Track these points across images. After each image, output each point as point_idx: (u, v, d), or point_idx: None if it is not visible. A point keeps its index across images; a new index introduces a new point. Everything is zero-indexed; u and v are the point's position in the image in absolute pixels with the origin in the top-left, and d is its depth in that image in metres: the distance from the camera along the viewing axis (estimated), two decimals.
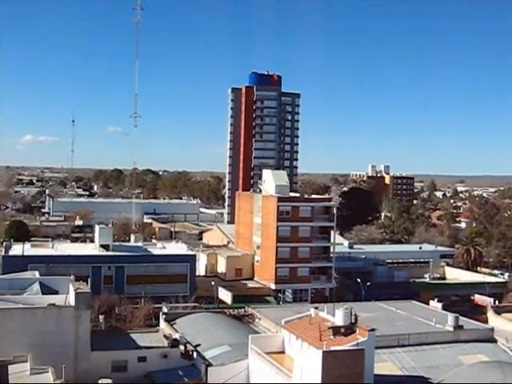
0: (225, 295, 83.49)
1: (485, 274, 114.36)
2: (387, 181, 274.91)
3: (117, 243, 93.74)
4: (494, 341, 49.80)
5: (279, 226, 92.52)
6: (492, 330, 51.72)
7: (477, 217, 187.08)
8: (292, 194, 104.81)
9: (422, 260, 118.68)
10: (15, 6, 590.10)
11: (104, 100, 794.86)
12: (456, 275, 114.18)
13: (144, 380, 46.30)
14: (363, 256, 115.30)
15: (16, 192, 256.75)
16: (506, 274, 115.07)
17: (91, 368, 44.56)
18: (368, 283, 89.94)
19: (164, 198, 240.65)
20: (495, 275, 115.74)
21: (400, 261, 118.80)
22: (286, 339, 43.12)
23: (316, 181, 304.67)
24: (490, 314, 61.87)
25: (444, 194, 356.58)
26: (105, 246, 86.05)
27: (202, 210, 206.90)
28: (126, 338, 51.62)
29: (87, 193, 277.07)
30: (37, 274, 60.88)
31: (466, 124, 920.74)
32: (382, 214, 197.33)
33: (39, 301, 48.23)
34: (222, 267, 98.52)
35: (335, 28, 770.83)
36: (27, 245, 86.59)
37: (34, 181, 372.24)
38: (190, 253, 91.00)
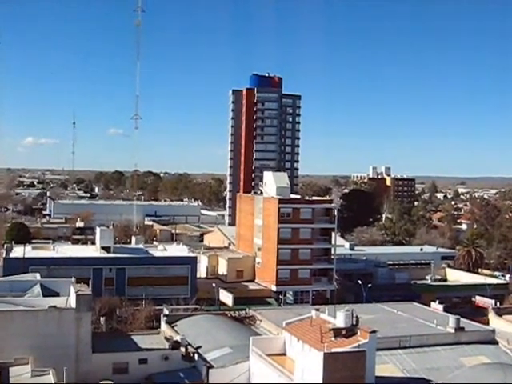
0: (226, 297, 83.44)
1: (486, 275, 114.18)
2: (388, 182, 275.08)
3: (118, 245, 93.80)
4: (496, 342, 49.80)
5: (280, 227, 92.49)
6: (493, 331, 51.73)
7: (478, 218, 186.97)
8: (293, 196, 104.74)
9: (423, 262, 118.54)
10: (15, 6, 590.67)
11: (105, 102, 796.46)
12: (457, 277, 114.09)
13: (145, 382, 46.33)
14: (364, 258, 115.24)
15: (17, 194, 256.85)
16: (507, 276, 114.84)
17: (92, 370, 44.61)
18: (369, 285, 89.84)
19: (165, 200, 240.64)
20: (496, 277, 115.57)
21: (401, 262, 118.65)
22: (287, 341, 43.14)
23: (317, 182, 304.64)
24: (491, 316, 61.82)
25: (445, 196, 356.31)
26: (106, 248, 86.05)
27: (202, 211, 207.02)
28: (127, 340, 51.64)
29: (88, 195, 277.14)
30: (38, 276, 60.83)
31: (466, 125, 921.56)
32: (383, 216, 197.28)
33: (40, 303, 48.20)
34: (222, 269, 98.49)
35: (335, 29, 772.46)
36: (28, 247, 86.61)
37: (35, 183, 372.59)
38: (191, 255, 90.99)
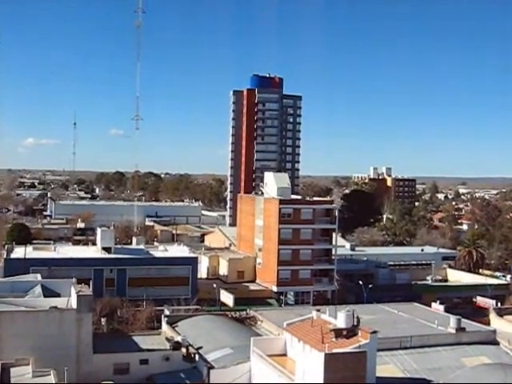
0: (227, 298, 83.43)
1: (487, 276, 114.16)
2: (389, 183, 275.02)
3: (119, 246, 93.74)
4: (497, 343, 49.79)
5: (281, 228, 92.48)
6: (494, 332, 51.72)
7: (479, 219, 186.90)
8: (294, 197, 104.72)
9: (423, 262, 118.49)
10: (15, 6, 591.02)
11: (106, 102, 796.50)
12: (458, 277, 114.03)
13: (146, 382, 46.35)
14: (365, 258, 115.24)
15: (18, 195, 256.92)
16: (508, 276, 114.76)
17: (93, 371, 44.64)
18: (370, 285, 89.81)
19: (166, 201, 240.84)
20: (497, 277, 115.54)
21: (402, 263, 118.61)
22: (288, 342, 43.14)
23: (318, 183, 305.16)
24: (492, 316, 61.79)
25: (446, 196, 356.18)
26: (107, 249, 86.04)
27: (203, 212, 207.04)
28: (128, 340, 51.67)
29: (89, 195, 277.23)
30: (39, 276, 60.87)
31: (467, 126, 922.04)
32: (384, 216, 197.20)
33: (41, 304, 48.23)
34: (223, 270, 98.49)
35: (336, 30, 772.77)
36: (29, 248, 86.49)
37: (36, 184, 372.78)
38: (192, 255, 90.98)
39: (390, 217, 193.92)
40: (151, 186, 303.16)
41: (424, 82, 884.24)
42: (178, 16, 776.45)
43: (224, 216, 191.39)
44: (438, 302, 65.60)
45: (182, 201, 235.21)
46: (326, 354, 35.50)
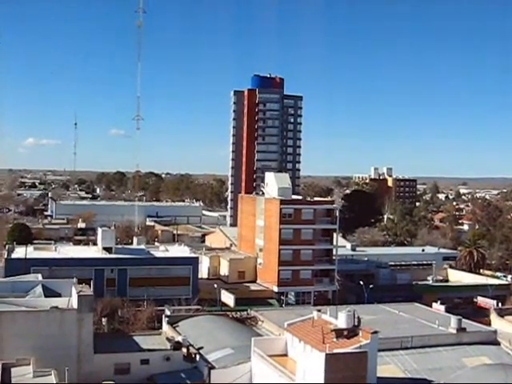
0: (227, 298, 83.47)
1: (488, 276, 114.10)
2: (390, 183, 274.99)
3: (119, 246, 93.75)
4: (497, 343, 49.77)
5: (282, 228, 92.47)
6: (495, 332, 51.70)
7: (479, 219, 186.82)
8: (294, 197, 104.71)
9: (424, 262, 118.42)
10: (16, 6, 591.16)
11: (106, 102, 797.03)
12: (459, 277, 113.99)
13: (147, 382, 46.36)
14: (366, 258, 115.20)
15: (19, 195, 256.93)
16: (509, 277, 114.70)
17: (94, 371, 44.66)
18: (371, 286, 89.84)
19: (167, 201, 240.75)
20: (498, 277, 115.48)
21: (403, 263, 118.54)
22: (288, 342, 43.13)
23: (318, 183, 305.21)
24: (493, 317, 61.76)
25: (447, 197, 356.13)
26: (107, 249, 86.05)
27: (204, 212, 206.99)
28: (129, 340, 51.68)
29: (90, 195, 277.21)
30: (39, 276, 60.92)
31: (468, 126, 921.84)
32: (385, 217, 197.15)
33: (42, 304, 48.28)
34: (224, 270, 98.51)
35: (337, 30, 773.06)
36: (30, 248, 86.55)
37: (37, 184, 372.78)
38: (193, 255, 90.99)
39: (391, 217, 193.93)
40: (152, 186, 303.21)
41: (424, 82, 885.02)
42: (179, 16, 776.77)
43: (225, 216, 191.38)
44: (439, 302, 65.55)
45: (183, 201, 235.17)
46: (326, 355, 35.50)
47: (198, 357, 47.31)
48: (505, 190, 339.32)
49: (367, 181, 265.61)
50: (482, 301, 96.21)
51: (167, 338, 51.16)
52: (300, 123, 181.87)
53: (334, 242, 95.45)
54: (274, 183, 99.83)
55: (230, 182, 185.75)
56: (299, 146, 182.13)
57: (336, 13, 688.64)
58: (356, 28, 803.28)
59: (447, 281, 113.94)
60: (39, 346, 43.06)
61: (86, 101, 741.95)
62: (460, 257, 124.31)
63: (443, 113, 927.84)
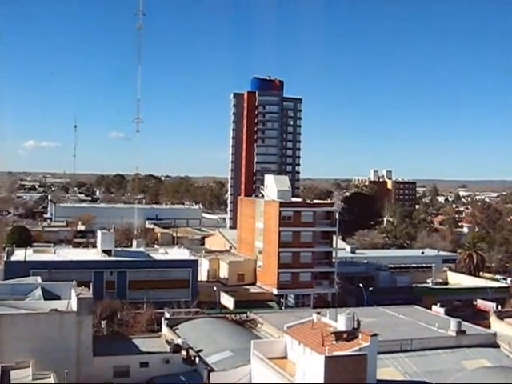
0: (227, 300, 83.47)
1: (487, 278, 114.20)
2: (389, 186, 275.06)
3: (119, 248, 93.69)
4: (497, 346, 49.72)
5: (281, 231, 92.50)
6: (495, 335, 51.64)
7: (479, 221, 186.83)
8: (294, 199, 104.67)
9: (424, 265, 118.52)
10: (16, 8, 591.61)
11: (106, 105, 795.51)
12: (458, 280, 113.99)
13: None
14: (365, 261, 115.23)
15: (18, 197, 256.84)
16: (509, 279, 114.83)
17: (93, 373, 44.57)
18: (370, 288, 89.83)
19: (166, 204, 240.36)
20: (498, 280, 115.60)
21: (402, 266, 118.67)
22: (288, 344, 43.08)
23: (318, 186, 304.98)
24: (493, 319, 61.63)
25: (446, 199, 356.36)
26: (107, 252, 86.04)
27: (204, 215, 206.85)
28: (128, 343, 51.59)
29: (89, 198, 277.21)
30: (39, 279, 60.94)
31: (467, 128, 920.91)
32: (384, 219, 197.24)
33: (41, 306, 48.23)
34: (224, 272, 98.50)
35: (336, 32, 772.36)
36: (29, 250, 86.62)
37: (36, 186, 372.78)
38: (192, 258, 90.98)
39: (391, 219, 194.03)
40: (151, 188, 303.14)
41: (424, 84, 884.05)
42: (179, 18, 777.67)
43: (224, 219, 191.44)
44: (439, 304, 65.39)
45: (183, 203, 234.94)
46: (326, 357, 35.47)
47: (197, 359, 47.25)
48: (504, 193, 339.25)
49: (367, 183, 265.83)
50: (481, 303, 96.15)
51: (167, 341, 51.09)
52: (299, 126, 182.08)
53: (334, 245, 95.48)
54: (273, 186, 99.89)
55: (229, 184, 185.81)
56: (299, 149, 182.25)
57: (335, 14, 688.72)
58: (355, 29, 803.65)
59: (447, 283, 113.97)
60: (38, 349, 42.99)
61: (85, 103, 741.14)
62: (460, 259, 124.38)
63: (442, 115, 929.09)
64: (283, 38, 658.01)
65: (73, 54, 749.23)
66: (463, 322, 51.75)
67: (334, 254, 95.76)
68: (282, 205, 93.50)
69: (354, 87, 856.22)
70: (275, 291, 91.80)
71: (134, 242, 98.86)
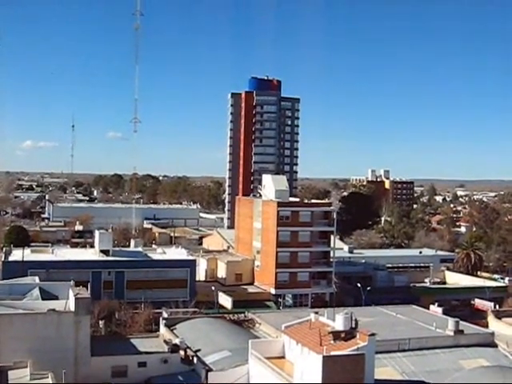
0: (225, 300, 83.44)
1: (485, 278, 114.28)
2: (387, 185, 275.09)
3: (117, 248, 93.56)
4: (495, 345, 49.71)
5: (279, 230, 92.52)
6: (492, 334, 51.64)
7: (477, 221, 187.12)
8: (292, 199, 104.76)
9: (422, 264, 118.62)
10: (16, 8, 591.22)
11: (104, 105, 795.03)
12: (456, 280, 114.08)
13: None
14: (363, 261, 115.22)
15: (16, 197, 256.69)
16: (507, 279, 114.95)
17: (91, 373, 44.54)
18: (368, 288, 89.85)
19: (164, 203, 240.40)
20: (495, 280, 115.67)
21: (400, 265, 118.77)
22: (286, 344, 43.07)
23: (316, 185, 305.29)
24: (491, 319, 61.72)
25: (444, 199, 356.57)
26: (105, 252, 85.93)
27: (201, 215, 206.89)
28: (126, 343, 51.56)
29: (87, 198, 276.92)
30: (37, 279, 60.81)
31: (465, 128, 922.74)
32: (382, 219, 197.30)
33: (39, 306, 48.20)
34: (222, 272, 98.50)
35: (334, 32, 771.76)
36: (27, 250, 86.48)
37: (34, 186, 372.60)
38: (190, 258, 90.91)
39: (388, 219, 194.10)
40: (149, 188, 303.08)
41: (422, 84, 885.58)
42: (177, 18, 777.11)
43: (222, 218, 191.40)
44: (437, 304, 65.42)
45: (180, 203, 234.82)
46: (324, 357, 35.46)
47: (195, 359, 47.25)
48: (502, 192, 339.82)
49: (364, 183, 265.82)
50: (479, 303, 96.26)
51: (165, 341, 51.08)
52: (297, 125, 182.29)
53: (332, 244, 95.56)
54: (271, 185, 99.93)
55: (227, 184, 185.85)
56: (296, 149, 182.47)
57: (334, 14, 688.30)
58: (354, 29, 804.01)
59: (445, 283, 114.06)
60: (36, 349, 42.95)
61: (83, 103, 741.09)
62: (457, 259, 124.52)
63: (441, 115, 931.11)
64: (281, 37, 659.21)
65: (70, 55, 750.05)
66: (461, 322, 51.73)
67: (331, 254, 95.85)
68: (279, 204, 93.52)
69: (352, 87, 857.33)
70: (273, 291, 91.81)
71: (132, 242, 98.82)
